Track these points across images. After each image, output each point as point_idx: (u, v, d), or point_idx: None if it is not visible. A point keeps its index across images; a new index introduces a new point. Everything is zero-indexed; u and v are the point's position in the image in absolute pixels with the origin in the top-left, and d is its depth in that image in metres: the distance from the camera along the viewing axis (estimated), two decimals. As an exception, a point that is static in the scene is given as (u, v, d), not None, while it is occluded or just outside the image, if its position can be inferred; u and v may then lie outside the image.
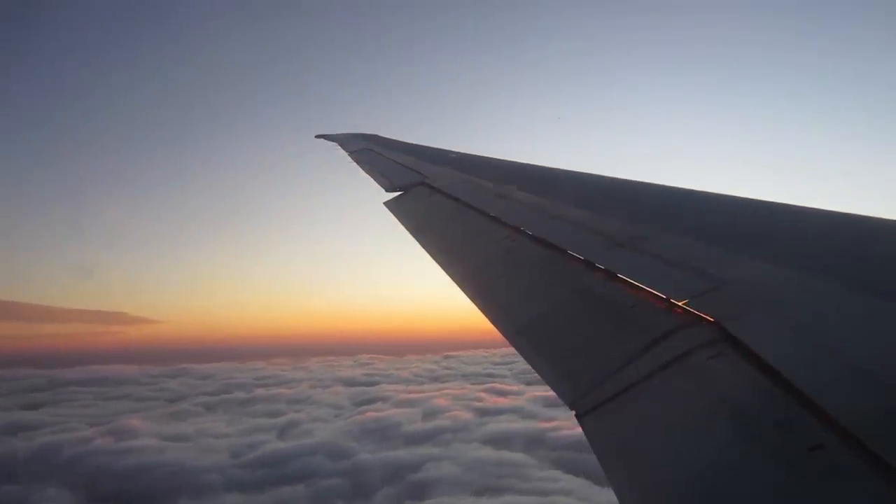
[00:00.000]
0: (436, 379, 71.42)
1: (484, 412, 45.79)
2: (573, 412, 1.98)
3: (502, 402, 50.97)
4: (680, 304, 2.09)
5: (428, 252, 3.72)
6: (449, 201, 4.30)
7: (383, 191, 5.08)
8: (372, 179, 5.46)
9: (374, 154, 6.40)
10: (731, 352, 1.77)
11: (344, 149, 6.83)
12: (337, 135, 7.60)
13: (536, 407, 48.02)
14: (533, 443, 36.78)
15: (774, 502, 1.32)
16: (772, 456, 1.40)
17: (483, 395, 54.91)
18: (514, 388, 60.22)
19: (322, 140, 7.65)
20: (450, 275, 3.34)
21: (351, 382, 65.91)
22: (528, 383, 66.82)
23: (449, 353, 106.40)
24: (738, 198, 3.30)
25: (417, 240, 3.96)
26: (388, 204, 4.77)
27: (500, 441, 36.97)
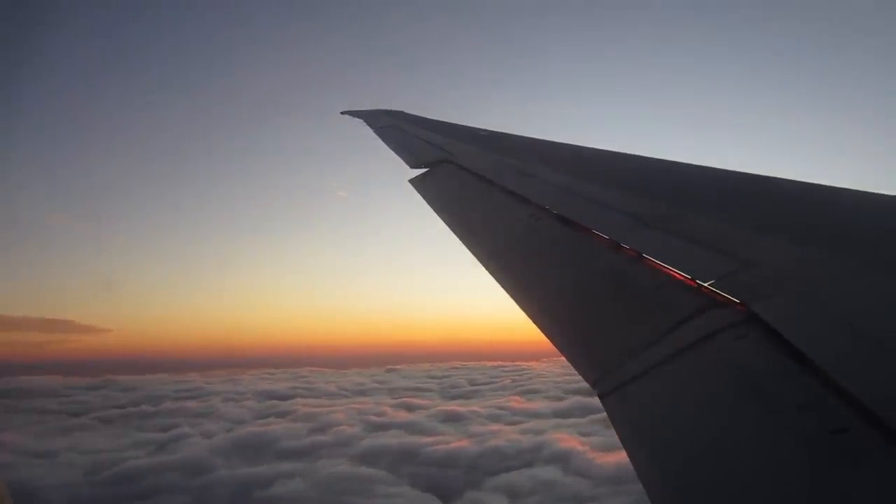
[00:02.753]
0: (361, 392, 70.82)
1: (376, 427, 45.39)
2: (596, 392, 1.96)
3: (402, 416, 50.59)
4: (706, 284, 2.06)
5: (452, 230, 3.72)
6: (474, 179, 4.27)
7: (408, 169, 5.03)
8: (398, 157, 5.40)
9: (400, 131, 6.32)
10: (757, 333, 1.73)
11: (369, 125, 6.76)
12: (362, 111, 7.56)
13: (432, 422, 47.80)
14: (403, 459, 36.49)
15: (798, 485, 1.29)
16: (796, 439, 1.37)
17: (389, 409, 54.46)
18: (427, 402, 59.96)
19: (347, 116, 7.62)
20: (474, 253, 3.34)
21: (269, 396, 65.07)
22: (451, 398, 66.91)
23: (393, 367, 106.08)
24: (766, 177, 3.24)
25: (441, 217, 3.95)
26: (412, 181, 4.74)
27: (370, 457, 36.63)
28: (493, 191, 3.94)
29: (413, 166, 4.98)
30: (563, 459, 34.57)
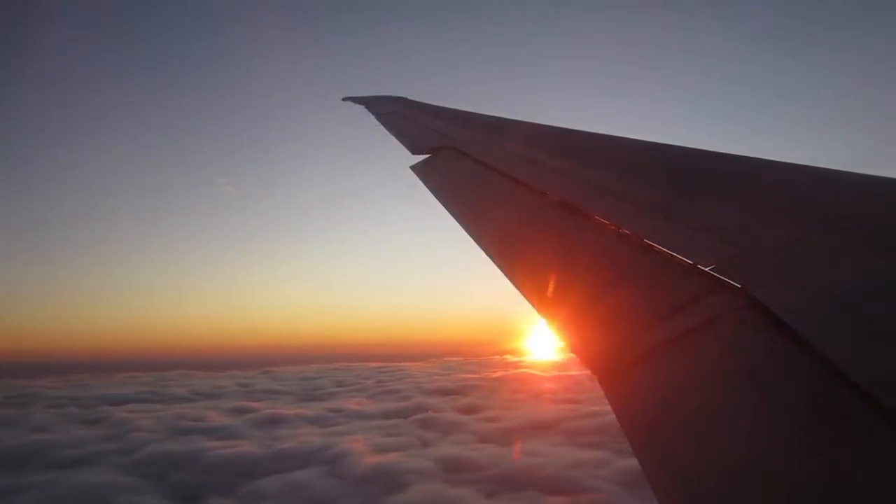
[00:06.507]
0: (212, 396, 68.63)
1: (178, 432, 43.82)
2: (596, 377, 1.96)
3: (220, 421, 49.20)
4: (706, 269, 2.06)
5: (453, 216, 3.70)
6: (476, 165, 4.28)
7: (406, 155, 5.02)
8: (399, 143, 5.37)
9: (402, 117, 6.31)
10: (757, 318, 1.73)
11: (371, 111, 6.67)
12: (364, 97, 7.51)
13: (247, 427, 46.66)
14: (178, 466, 35.22)
15: (800, 470, 1.28)
16: (796, 422, 1.37)
17: (214, 414, 52.86)
18: (264, 405, 58.71)
19: (349, 102, 7.59)
20: (475, 239, 3.33)
21: (105, 401, 62.12)
22: (303, 400, 65.88)
23: (270, 369, 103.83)
24: (767, 160, 3.19)
25: (443, 203, 3.92)
26: (414, 167, 4.70)
27: (144, 465, 35.11)
28: (494, 177, 3.97)
29: (414, 152, 4.99)
30: (334, 462, 34.37)
